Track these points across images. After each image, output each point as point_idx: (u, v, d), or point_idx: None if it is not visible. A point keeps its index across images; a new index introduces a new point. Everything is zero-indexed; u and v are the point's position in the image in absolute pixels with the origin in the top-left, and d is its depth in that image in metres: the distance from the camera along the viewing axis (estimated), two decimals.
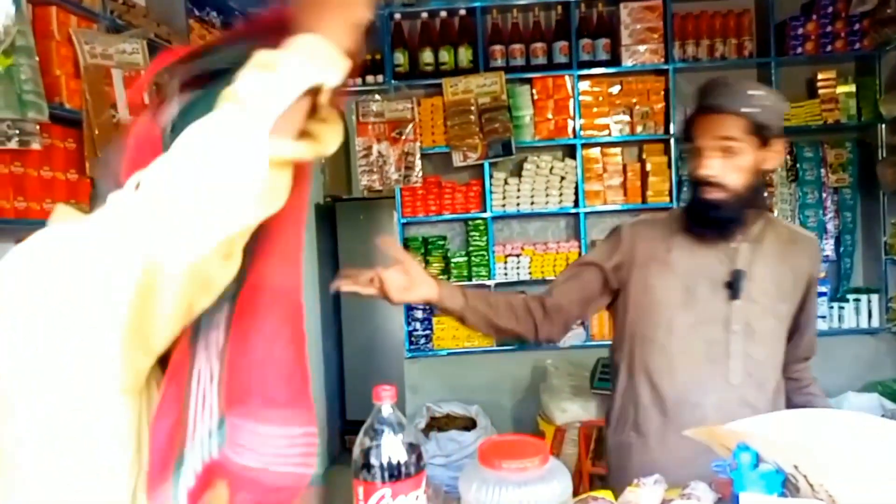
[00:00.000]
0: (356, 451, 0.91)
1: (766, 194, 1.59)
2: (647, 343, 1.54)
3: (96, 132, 2.24)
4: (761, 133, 1.41)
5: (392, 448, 0.90)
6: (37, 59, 1.99)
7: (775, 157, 1.47)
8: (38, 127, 2.00)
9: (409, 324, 3.88)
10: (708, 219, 1.46)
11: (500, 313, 1.56)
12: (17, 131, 1.93)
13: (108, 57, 2.35)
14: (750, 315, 1.48)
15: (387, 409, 0.91)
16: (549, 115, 3.76)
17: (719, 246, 1.50)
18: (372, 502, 0.89)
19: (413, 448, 0.91)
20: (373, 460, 0.89)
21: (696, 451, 1.17)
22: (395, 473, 0.89)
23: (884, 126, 3.70)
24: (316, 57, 0.69)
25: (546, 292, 1.63)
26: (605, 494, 1.18)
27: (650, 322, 1.53)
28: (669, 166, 3.75)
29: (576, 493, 1.17)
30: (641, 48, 3.72)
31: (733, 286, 1.47)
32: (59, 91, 2.16)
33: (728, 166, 1.42)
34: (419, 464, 0.92)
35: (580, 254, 3.80)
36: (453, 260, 3.85)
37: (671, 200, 3.75)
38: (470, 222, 3.86)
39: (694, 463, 1.19)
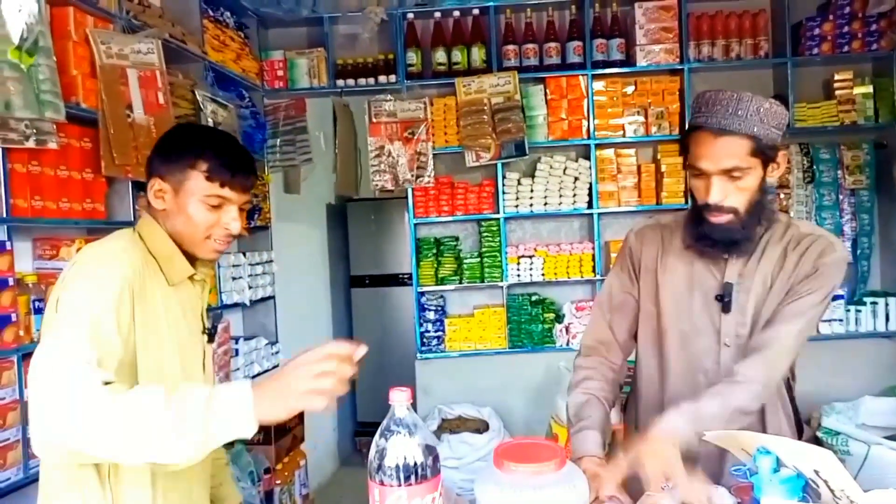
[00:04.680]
0: (372, 453, 0.91)
1: (771, 200, 1.52)
2: (647, 346, 1.57)
3: (111, 132, 2.25)
4: (766, 153, 1.35)
5: (408, 450, 0.89)
6: (54, 59, 2.00)
7: (780, 167, 1.40)
8: (54, 126, 2.01)
9: (421, 325, 3.88)
10: (715, 241, 1.42)
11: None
12: (35, 131, 1.94)
13: (124, 57, 2.36)
14: (741, 328, 1.44)
15: (402, 410, 0.91)
16: (563, 116, 3.75)
17: (714, 257, 1.46)
18: None
19: (429, 450, 0.91)
20: (388, 462, 0.88)
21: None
22: (410, 475, 0.88)
23: None
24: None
25: (601, 349, 1.59)
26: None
27: (648, 327, 1.56)
28: (685, 167, 3.71)
29: None
30: (656, 48, 3.70)
31: (724, 300, 1.44)
32: (75, 91, 2.17)
33: (734, 189, 1.37)
34: (436, 466, 0.91)
35: (594, 256, 3.78)
36: (466, 261, 3.84)
37: (686, 202, 3.71)
38: (483, 223, 3.85)
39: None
